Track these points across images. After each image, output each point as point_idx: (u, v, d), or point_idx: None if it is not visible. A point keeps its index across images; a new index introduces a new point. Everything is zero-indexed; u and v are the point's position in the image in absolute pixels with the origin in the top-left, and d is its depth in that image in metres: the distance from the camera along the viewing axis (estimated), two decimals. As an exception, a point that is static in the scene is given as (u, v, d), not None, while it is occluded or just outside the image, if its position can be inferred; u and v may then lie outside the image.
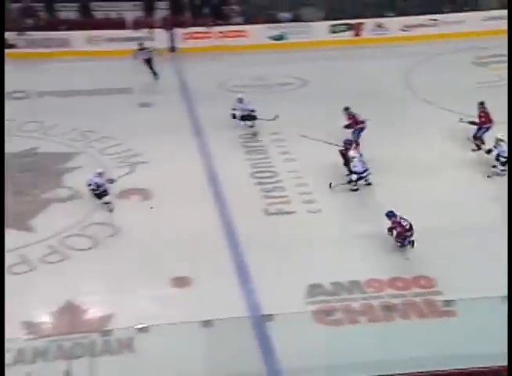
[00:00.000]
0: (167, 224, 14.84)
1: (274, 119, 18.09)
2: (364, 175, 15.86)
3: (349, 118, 17.51)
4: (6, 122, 18.37)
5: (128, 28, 23.98)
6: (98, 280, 13.38)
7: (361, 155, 15.93)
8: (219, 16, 24.83)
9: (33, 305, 12.73)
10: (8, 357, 10.99)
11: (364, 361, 10.90)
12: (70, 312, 12.53)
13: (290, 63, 22.73)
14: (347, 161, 16.18)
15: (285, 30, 24.53)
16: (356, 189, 15.90)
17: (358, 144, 16.75)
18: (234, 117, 18.41)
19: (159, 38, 23.68)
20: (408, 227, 13.69)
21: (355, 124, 17.46)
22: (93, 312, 12.57)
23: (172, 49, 23.94)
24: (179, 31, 23.95)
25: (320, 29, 24.64)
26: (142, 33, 23.52)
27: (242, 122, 18.39)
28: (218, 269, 13.46)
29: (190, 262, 13.59)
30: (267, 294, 12.74)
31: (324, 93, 18.11)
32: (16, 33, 22.99)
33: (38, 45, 22.88)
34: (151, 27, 23.94)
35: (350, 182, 15.92)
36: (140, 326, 11.32)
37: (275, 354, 11.21)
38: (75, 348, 11.25)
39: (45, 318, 12.49)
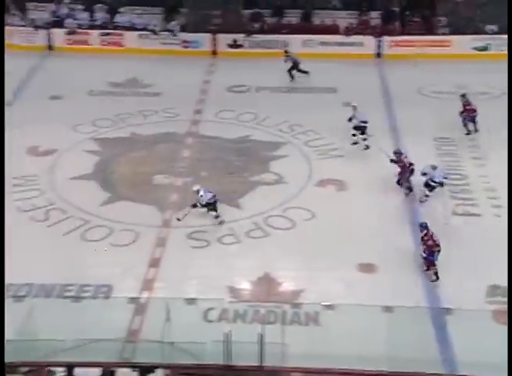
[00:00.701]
0: (357, 213, 14.83)
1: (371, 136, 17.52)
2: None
3: (463, 105, 17.26)
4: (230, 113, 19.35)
5: (341, 34, 24.09)
6: (293, 258, 13.65)
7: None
8: (427, 27, 24.20)
9: (236, 273, 13.26)
10: (214, 314, 11.64)
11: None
12: (266, 283, 12.91)
13: (491, 73, 21.61)
14: (403, 173, 15.40)
15: (490, 41, 23.35)
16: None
17: (476, 131, 16.84)
18: (350, 120, 17.65)
19: (367, 44, 23.59)
20: (437, 244, 12.73)
21: (467, 112, 17.08)
22: (286, 286, 12.87)
23: (378, 55, 23.72)
24: (387, 39, 23.67)
25: (526, 41, 23.22)
26: (353, 38, 23.58)
27: (353, 131, 17.66)
28: (403, 260, 13.26)
29: (377, 250, 13.48)
30: (448, 289, 12.39)
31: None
32: (244, 35, 23.86)
33: (261, 46, 23.58)
34: (361, 33, 23.87)
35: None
36: (327, 303, 11.41)
37: (452, 346, 10.89)
38: (269, 315, 11.67)
39: (245, 285, 12.95)
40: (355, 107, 17.70)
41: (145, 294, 12.47)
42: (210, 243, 14.15)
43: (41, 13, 24.67)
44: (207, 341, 9.86)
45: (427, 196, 15.11)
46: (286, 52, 21.66)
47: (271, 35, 23.78)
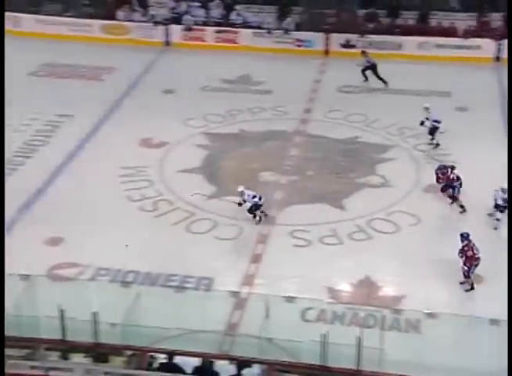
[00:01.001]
0: (464, 222, 14.43)
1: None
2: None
3: None
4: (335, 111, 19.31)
5: (458, 36, 23.43)
6: (395, 262, 13.46)
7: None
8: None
9: (336, 274, 13.22)
10: (312, 314, 11.66)
11: None
12: (367, 286, 12.82)
13: None
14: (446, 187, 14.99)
15: None
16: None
17: None
18: (422, 123, 17.51)
19: (486, 47, 22.83)
20: (477, 256, 12.22)
21: None
22: (387, 290, 12.75)
23: (497, 59, 22.91)
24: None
25: None
26: (471, 41, 22.88)
27: (429, 136, 17.61)
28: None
29: (483, 261, 13.02)
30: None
31: None
32: (357, 35, 23.65)
33: (375, 47, 23.23)
34: (481, 36, 23.10)
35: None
36: (429, 311, 11.17)
37: None
38: (368, 318, 11.54)
39: (345, 287, 12.92)
40: (426, 108, 17.49)
41: (245, 289, 12.66)
42: (311, 242, 14.18)
43: (161, 9, 25.50)
44: (304, 341, 9.88)
45: (498, 219, 14.48)
46: (363, 52, 21.37)
47: (385, 36, 23.47)
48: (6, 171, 16.53)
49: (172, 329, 10.39)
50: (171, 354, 9.92)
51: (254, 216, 14.67)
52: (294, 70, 22.33)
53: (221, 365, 9.99)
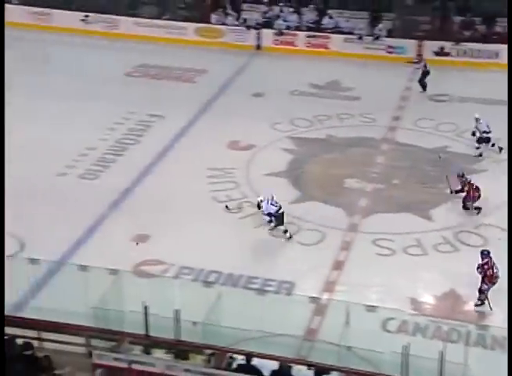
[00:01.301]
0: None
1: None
2: None
3: None
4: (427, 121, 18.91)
5: None
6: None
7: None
8: None
9: (420, 285, 12.97)
10: (393, 324, 11.45)
11: None
12: (452, 300, 12.49)
13: None
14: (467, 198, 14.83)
15: None
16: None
17: None
18: (473, 134, 17.60)
19: None
20: (497, 275, 11.73)
21: None
22: (473, 305, 12.38)
23: None
24: None
25: None
26: None
27: (476, 144, 17.51)
28: None
29: None
30: None
31: None
32: (452, 43, 23.11)
33: (469, 56, 22.70)
34: None
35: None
36: (516, 329, 10.75)
37: None
38: (452, 333, 11.23)
39: (428, 299, 12.63)
40: (477, 119, 17.29)
41: (326, 296, 12.57)
42: (395, 252, 13.94)
43: (253, 14, 25.73)
44: (385, 351, 9.70)
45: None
46: (418, 55, 20.83)
47: (480, 44, 22.84)
48: (98, 168, 17.09)
49: (252, 331, 10.41)
50: (249, 356, 9.94)
51: (285, 231, 14.38)
52: (385, 77, 22.06)
53: (298, 370, 9.93)
